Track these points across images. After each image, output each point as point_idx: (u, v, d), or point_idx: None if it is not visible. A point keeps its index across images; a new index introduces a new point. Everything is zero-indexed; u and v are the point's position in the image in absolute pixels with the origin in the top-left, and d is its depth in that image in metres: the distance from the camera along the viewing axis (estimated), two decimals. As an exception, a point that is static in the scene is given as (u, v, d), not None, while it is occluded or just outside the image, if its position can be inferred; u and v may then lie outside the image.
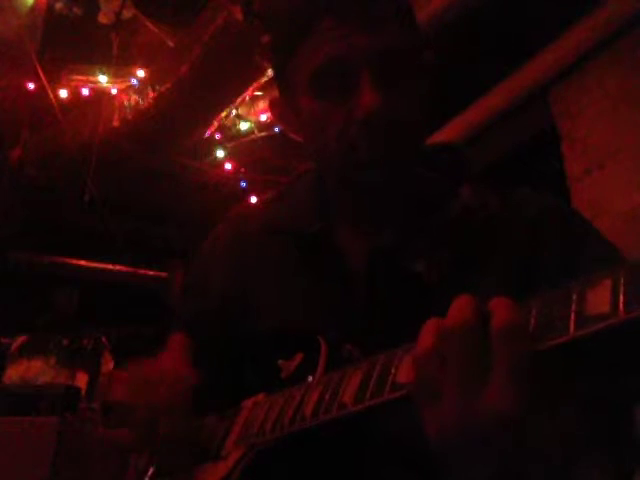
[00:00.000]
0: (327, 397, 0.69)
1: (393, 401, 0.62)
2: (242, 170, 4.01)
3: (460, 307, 0.57)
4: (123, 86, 3.51)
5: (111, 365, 3.05)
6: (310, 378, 0.79)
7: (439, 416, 0.56)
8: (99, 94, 3.57)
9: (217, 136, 3.80)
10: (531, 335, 0.53)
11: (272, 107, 1.03)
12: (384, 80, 0.84)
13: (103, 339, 3.04)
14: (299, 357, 0.84)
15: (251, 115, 3.70)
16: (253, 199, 3.85)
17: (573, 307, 0.51)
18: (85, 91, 3.56)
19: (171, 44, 3.31)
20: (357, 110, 0.84)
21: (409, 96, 0.87)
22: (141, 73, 3.45)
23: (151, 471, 0.88)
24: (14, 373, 2.88)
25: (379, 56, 0.84)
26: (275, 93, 1.01)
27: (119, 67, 3.43)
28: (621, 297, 0.48)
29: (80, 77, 3.52)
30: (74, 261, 4.44)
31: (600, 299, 0.49)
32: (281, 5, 0.95)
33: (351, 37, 0.83)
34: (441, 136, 3.03)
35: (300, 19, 0.88)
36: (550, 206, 0.93)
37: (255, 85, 3.23)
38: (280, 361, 0.85)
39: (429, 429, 0.58)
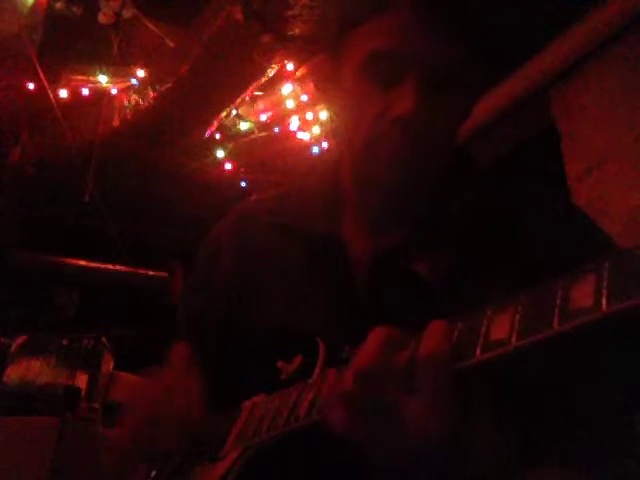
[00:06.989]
0: (321, 396, 0.69)
1: None
2: (242, 170, 4.01)
3: (372, 342, 0.62)
4: (123, 86, 3.51)
5: (111, 365, 3.05)
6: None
7: (375, 440, 0.61)
8: (99, 94, 3.56)
9: (217, 136, 3.80)
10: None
11: (316, 69, 1.00)
12: (428, 90, 0.83)
13: (103, 339, 3.04)
14: (299, 359, 0.84)
15: (251, 115, 3.69)
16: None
17: (558, 302, 0.53)
18: (85, 91, 3.55)
19: (171, 44, 3.31)
20: (394, 107, 0.83)
21: (447, 112, 0.86)
22: (141, 73, 3.45)
23: (154, 474, 0.89)
24: (14, 373, 2.87)
25: (434, 66, 0.83)
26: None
27: (119, 67, 3.43)
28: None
29: (80, 77, 3.51)
30: (74, 261, 4.43)
31: (584, 294, 0.51)
32: None
33: (417, 38, 0.82)
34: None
35: None
36: (553, 205, 0.93)
37: (255, 85, 3.23)
38: (280, 363, 0.85)
39: (367, 452, 0.62)
